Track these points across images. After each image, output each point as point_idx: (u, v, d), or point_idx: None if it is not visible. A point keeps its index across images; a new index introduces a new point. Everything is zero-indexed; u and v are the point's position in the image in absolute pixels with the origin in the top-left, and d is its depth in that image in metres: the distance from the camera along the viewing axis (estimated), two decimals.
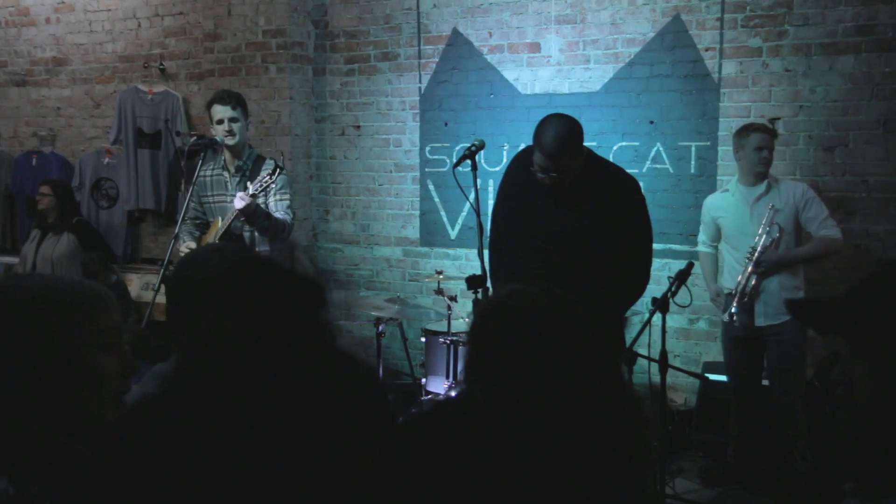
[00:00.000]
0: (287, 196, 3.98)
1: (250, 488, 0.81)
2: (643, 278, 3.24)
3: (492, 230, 3.46)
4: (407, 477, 0.96)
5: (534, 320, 1.42)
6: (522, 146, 3.82)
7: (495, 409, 1.07)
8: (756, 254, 3.93)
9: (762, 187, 4.00)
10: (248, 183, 3.85)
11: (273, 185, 3.86)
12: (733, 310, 3.98)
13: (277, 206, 3.94)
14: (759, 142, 3.96)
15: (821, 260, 4.13)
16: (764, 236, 3.93)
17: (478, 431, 1.02)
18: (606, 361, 1.45)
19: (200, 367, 0.87)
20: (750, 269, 3.94)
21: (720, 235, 4.21)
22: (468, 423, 1.04)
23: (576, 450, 1.26)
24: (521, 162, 3.29)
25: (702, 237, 4.34)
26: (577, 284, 2.71)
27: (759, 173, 4.00)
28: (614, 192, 3.14)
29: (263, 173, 3.85)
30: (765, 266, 3.94)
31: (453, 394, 1.55)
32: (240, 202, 3.72)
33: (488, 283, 3.42)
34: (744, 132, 4.05)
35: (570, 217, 3.11)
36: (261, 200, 3.85)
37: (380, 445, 0.90)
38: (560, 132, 3.02)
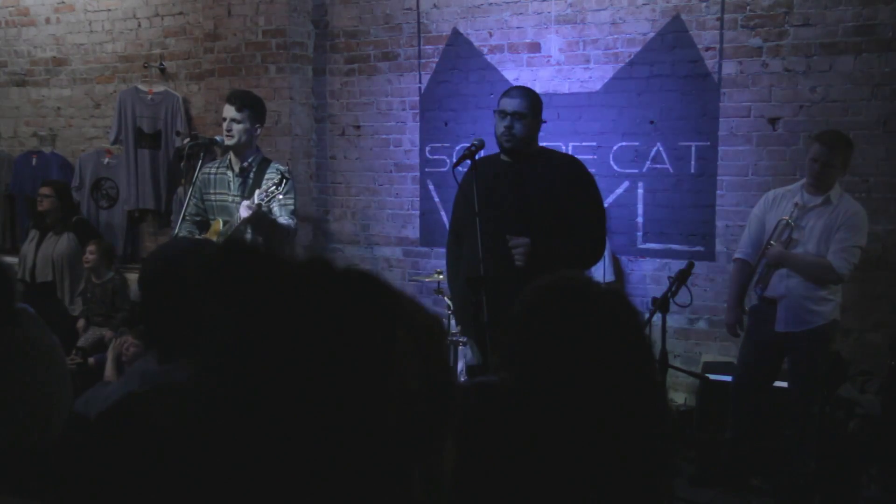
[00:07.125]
0: (291, 201, 3.97)
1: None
2: (601, 243, 3.47)
3: (451, 221, 3.71)
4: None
5: (596, 304, 1.39)
6: None
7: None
8: (770, 241, 3.94)
9: (819, 199, 3.91)
10: (256, 191, 3.84)
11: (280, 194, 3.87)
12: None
13: (281, 212, 3.94)
14: (812, 153, 3.89)
15: (812, 280, 3.92)
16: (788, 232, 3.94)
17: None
18: (651, 354, 1.45)
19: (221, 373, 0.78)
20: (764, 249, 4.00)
21: (761, 239, 4.05)
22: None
23: (604, 437, 1.26)
24: (477, 164, 3.41)
25: (744, 240, 4.15)
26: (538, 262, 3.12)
27: (809, 183, 3.94)
28: (564, 168, 3.44)
29: (269, 182, 3.85)
30: (765, 257, 3.96)
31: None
32: (245, 211, 3.75)
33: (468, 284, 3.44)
34: (812, 139, 3.96)
35: (526, 193, 3.35)
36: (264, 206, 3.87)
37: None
38: (523, 88, 3.60)
